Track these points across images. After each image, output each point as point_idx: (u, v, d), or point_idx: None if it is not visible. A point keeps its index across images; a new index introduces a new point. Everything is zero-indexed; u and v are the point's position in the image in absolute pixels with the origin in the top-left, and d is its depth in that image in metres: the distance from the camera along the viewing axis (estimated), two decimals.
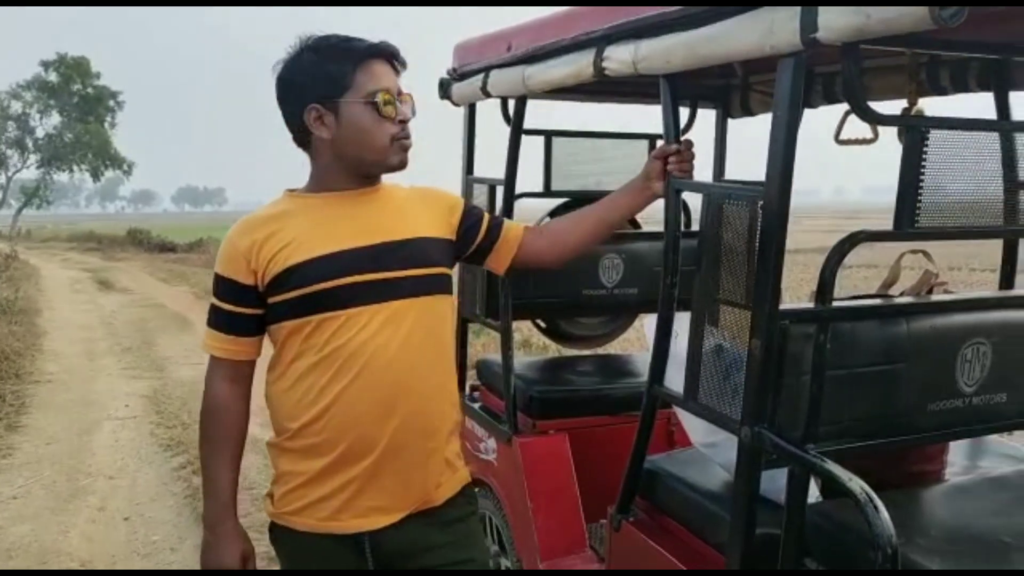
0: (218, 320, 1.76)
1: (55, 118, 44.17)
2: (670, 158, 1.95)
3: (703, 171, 3.10)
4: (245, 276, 1.71)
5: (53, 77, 42.87)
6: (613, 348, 4.69)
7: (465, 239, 1.95)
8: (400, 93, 1.74)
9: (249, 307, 1.73)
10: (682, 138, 1.98)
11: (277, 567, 1.91)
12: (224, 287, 1.74)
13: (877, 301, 1.86)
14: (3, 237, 33.57)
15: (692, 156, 1.97)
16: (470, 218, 1.97)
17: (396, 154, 1.75)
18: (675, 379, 1.93)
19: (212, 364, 1.79)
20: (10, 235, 36.01)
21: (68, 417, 6.42)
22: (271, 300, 1.71)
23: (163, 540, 4.15)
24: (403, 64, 1.78)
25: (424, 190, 1.95)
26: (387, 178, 1.86)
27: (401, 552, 1.77)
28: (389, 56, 1.75)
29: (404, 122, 1.74)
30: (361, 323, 1.68)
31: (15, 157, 45.43)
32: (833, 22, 1.39)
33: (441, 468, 1.81)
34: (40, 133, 44.73)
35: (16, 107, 44.62)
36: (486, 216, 2.01)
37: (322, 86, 1.70)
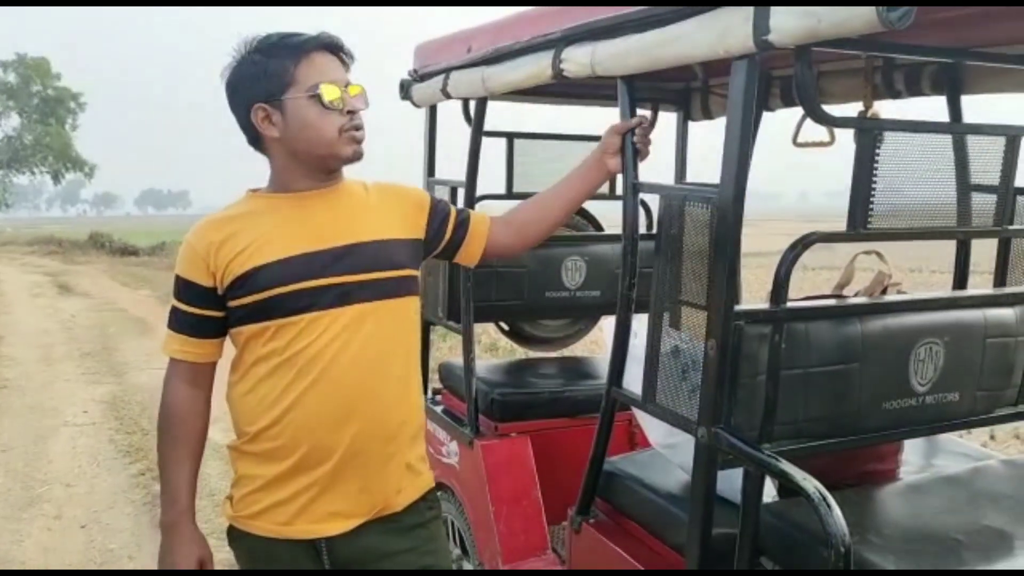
0: (178, 322, 1.73)
1: (14, 119, 43.32)
2: (635, 131, 1.96)
3: (666, 175, 3.13)
4: (204, 278, 1.69)
5: (12, 78, 42.09)
6: (578, 350, 4.71)
7: (435, 237, 1.92)
8: (348, 84, 1.70)
9: (209, 309, 1.71)
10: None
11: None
12: (183, 289, 1.72)
13: (831, 302, 1.88)
14: None
15: (649, 131, 1.98)
16: (438, 215, 1.93)
17: (347, 145, 1.70)
18: (635, 381, 1.94)
19: (171, 366, 1.77)
20: None
21: (24, 424, 6.29)
22: (230, 303, 1.69)
23: (121, 548, 4.08)
24: (349, 55, 1.74)
25: (390, 188, 1.90)
26: (352, 172, 1.82)
27: (359, 558, 1.75)
28: (332, 48, 1.71)
29: (353, 112, 1.70)
30: (320, 328, 1.66)
31: None
32: (785, 25, 1.40)
33: (402, 473, 1.78)
34: None
35: None
36: (453, 210, 1.98)
37: (266, 85, 1.67)
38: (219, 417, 1.82)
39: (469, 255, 2.00)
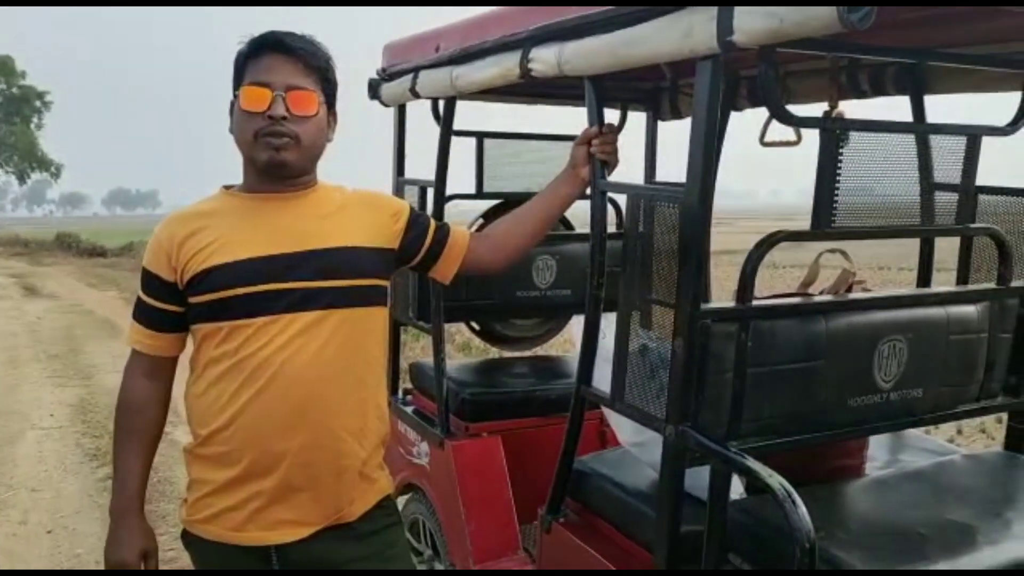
0: (141, 313, 1.74)
1: None
2: (593, 142, 1.95)
3: (635, 174, 3.14)
4: (166, 272, 1.68)
5: None
6: (553, 350, 4.71)
7: (409, 249, 1.89)
8: (290, 88, 1.63)
9: (169, 304, 1.70)
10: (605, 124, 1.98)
11: None
12: (148, 281, 1.72)
13: (796, 300, 1.89)
14: None
15: (614, 139, 1.97)
16: (416, 227, 1.89)
17: (262, 151, 1.64)
18: (604, 379, 1.94)
19: (132, 357, 1.77)
20: None
21: None
22: (189, 300, 1.68)
23: (88, 553, 4.02)
24: (305, 56, 1.66)
25: (367, 195, 1.87)
26: (328, 177, 1.81)
27: (311, 566, 1.73)
28: (283, 48, 1.66)
29: (273, 118, 1.62)
30: (272, 333, 1.63)
31: None
32: (748, 25, 1.41)
33: (355, 483, 1.75)
34: None
35: None
36: (433, 224, 1.95)
37: (234, 80, 1.70)
38: (183, 419, 1.81)
39: (444, 271, 1.97)
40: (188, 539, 1.78)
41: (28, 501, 4.72)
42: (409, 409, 3.17)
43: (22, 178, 43.75)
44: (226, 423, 1.65)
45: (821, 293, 2.00)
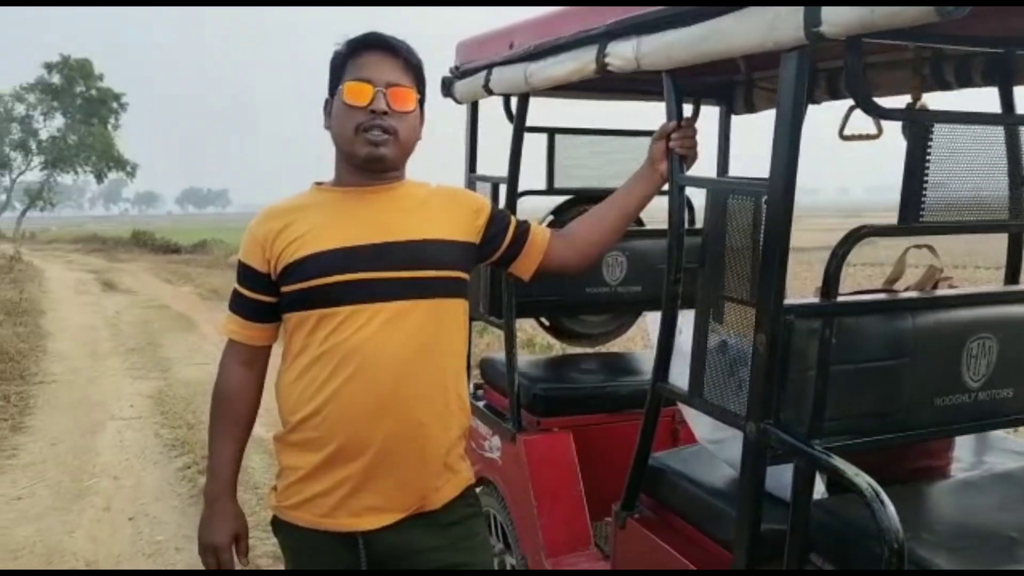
0: (236, 304, 1.81)
1: (58, 120, 44.30)
2: (672, 136, 1.94)
3: (707, 170, 3.11)
4: (261, 264, 1.75)
5: (56, 79, 42.98)
6: (615, 347, 4.69)
7: (490, 244, 1.93)
8: (391, 85, 1.71)
9: (264, 294, 1.77)
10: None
11: (282, 566, 1.91)
12: (243, 273, 1.79)
13: (882, 296, 1.85)
14: (7, 239, 33.62)
15: (694, 132, 1.96)
16: (497, 223, 1.93)
17: (362, 146, 1.71)
18: (679, 376, 1.93)
19: (228, 346, 1.84)
20: (14, 237, 36.08)
21: (73, 418, 6.43)
22: (282, 289, 1.74)
23: (168, 540, 4.16)
24: (405, 55, 1.74)
25: (450, 190, 1.93)
26: (416, 175, 1.86)
27: (396, 553, 1.77)
28: (384, 47, 1.73)
29: (375, 112, 1.69)
30: (360, 322, 1.68)
31: (19, 159, 45.63)
32: (837, 16, 1.38)
33: (439, 471, 1.78)
34: (44, 135, 44.92)
35: (20, 109, 44.78)
36: (513, 221, 1.98)
37: (331, 79, 1.77)
38: (261, 412, 1.87)
39: (524, 267, 2.00)
40: (278, 525, 1.83)
41: (111, 488, 4.89)
42: (480, 404, 3.19)
43: (99, 177, 45.31)
44: (316, 410, 1.70)
45: (907, 290, 1.96)
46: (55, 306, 13.06)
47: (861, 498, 1.43)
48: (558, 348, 7.27)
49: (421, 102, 1.80)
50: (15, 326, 9.99)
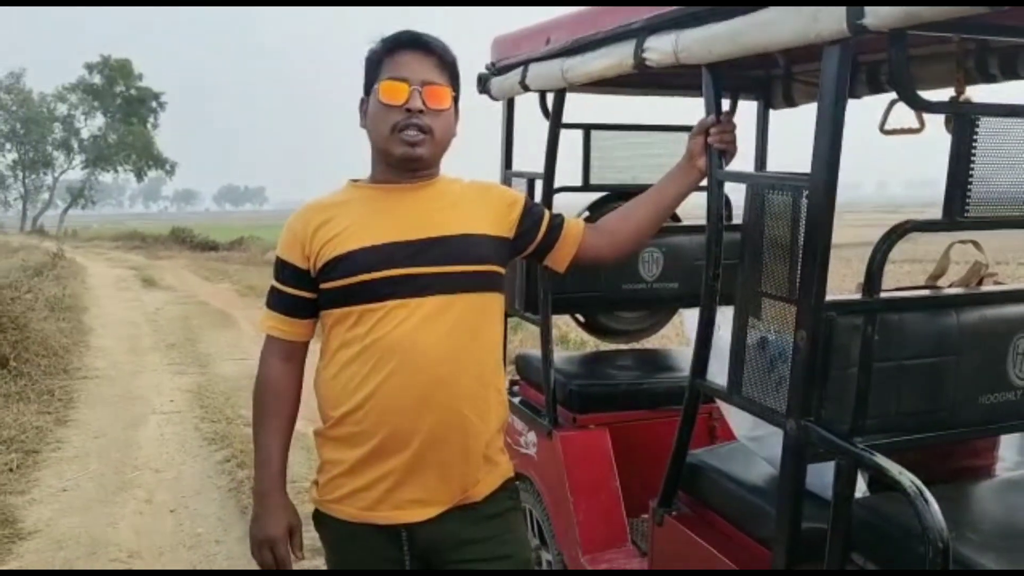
0: (274, 300, 1.83)
1: (99, 119, 45.24)
2: (711, 131, 1.93)
3: (742, 165, 3.08)
4: (300, 260, 1.77)
5: (97, 79, 43.85)
6: (648, 344, 4.67)
7: (524, 237, 1.93)
8: (426, 83, 1.72)
9: (303, 290, 1.78)
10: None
11: (321, 558, 1.93)
12: (281, 269, 1.81)
13: (926, 292, 1.83)
14: (50, 237, 34.30)
15: (733, 127, 1.94)
16: (531, 216, 1.94)
17: (398, 145, 1.72)
18: (716, 373, 1.92)
19: (267, 342, 1.85)
20: (57, 234, 36.82)
21: (115, 412, 6.55)
22: (321, 286, 1.75)
23: (208, 532, 4.22)
24: (440, 53, 1.75)
25: (483, 186, 1.94)
26: (450, 170, 1.87)
27: (438, 546, 1.78)
28: (418, 45, 1.74)
29: (411, 110, 1.70)
30: (401, 317, 1.70)
31: (61, 158, 46.64)
32: (881, 8, 1.36)
33: (480, 464, 1.80)
34: (85, 134, 45.90)
35: (62, 109, 45.80)
36: (547, 214, 1.98)
37: (366, 77, 1.78)
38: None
39: (558, 260, 2.00)
40: (320, 519, 1.85)
41: (152, 481, 4.98)
42: (515, 400, 3.20)
43: (139, 175, 46.17)
44: (358, 404, 1.71)
45: (951, 286, 1.93)
46: (97, 302, 13.28)
47: (905, 497, 1.42)
48: (591, 345, 7.27)
49: (456, 99, 1.81)
50: (59, 321, 10.17)
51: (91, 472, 5.14)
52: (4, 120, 45.27)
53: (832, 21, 1.45)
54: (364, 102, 1.79)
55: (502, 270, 1.85)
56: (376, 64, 1.76)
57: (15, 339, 7.65)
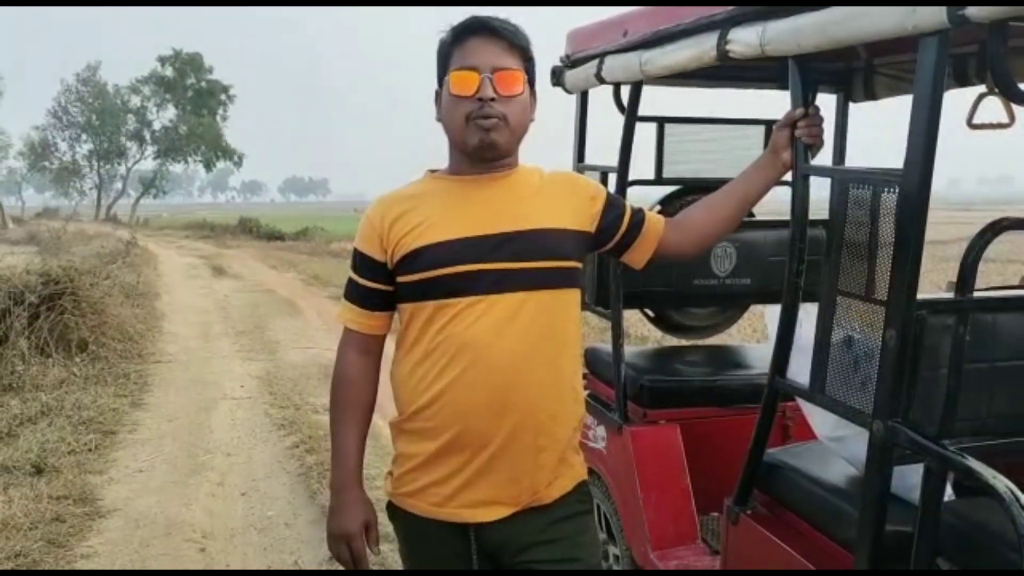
0: (352, 293, 1.81)
1: (170, 111, 46.50)
2: (798, 124, 1.88)
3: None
4: (377, 252, 1.74)
5: (169, 72, 45.04)
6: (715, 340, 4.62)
7: (606, 232, 1.87)
8: (496, 69, 1.65)
9: (380, 283, 1.76)
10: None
11: (394, 547, 1.94)
12: (359, 261, 1.79)
13: (1020, 292, 1.77)
14: (123, 225, 35.35)
15: (821, 120, 1.89)
16: (613, 210, 1.87)
17: (473, 135, 1.67)
18: (796, 371, 1.89)
19: (344, 335, 1.84)
20: (129, 223, 37.94)
21: (187, 396, 6.73)
22: (398, 279, 1.73)
23: (278, 515, 4.31)
24: (509, 36, 1.68)
25: (565, 176, 1.88)
26: (529, 160, 1.83)
27: (506, 546, 1.75)
28: (488, 31, 1.68)
29: (483, 99, 1.65)
30: (476, 313, 1.66)
31: (134, 149, 48.07)
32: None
33: (554, 465, 1.76)
34: (157, 126, 47.23)
35: (135, 101, 47.17)
36: (629, 209, 1.91)
37: (439, 67, 1.74)
38: None
39: (637, 256, 1.93)
40: (393, 512, 1.84)
41: (224, 464, 5.10)
42: (585, 393, 3.19)
43: (208, 166, 47.33)
44: (431, 401, 1.70)
45: None
46: (169, 289, 13.65)
47: (998, 501, 1.38)
48: (652, 340, 7.21)
49: (531, 83, 1.75)
50: (133, 307, 10.46)
51: (165, 454, 5.29)
52: (80, 112, 46.85)
53: (930, 12, 1.42)
54: (438, 94, 1.75)
55: (580, 265, 1.79)
56: (446, 54, 1.72)
57: (94, 323, 7.90)
